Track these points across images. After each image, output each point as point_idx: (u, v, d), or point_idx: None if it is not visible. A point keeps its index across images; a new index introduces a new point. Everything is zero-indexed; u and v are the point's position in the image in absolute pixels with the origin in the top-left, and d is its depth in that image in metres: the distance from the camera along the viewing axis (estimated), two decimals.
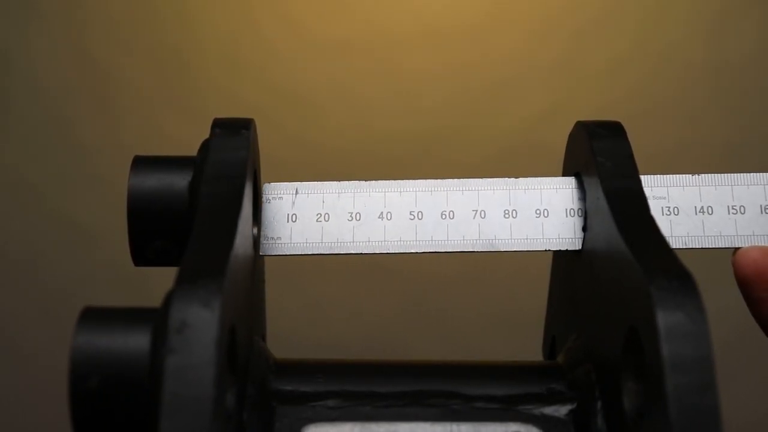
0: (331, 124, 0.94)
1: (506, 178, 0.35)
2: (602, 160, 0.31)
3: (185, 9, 0.95)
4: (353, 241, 0.35)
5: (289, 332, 0.72)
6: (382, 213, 0.35)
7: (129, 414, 0.26)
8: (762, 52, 0.94)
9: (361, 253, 0.35)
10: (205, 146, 0.32)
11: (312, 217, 0.35)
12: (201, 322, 0.24)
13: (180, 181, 0.32)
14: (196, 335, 0.24)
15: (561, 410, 0.29)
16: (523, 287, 0.90)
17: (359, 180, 0.36)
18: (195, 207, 0.30)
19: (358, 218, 0.35)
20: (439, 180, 0.36)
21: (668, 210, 0.34)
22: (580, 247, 0.33)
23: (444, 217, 0.35)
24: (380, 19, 0.95)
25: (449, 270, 0.91)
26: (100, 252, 0.93)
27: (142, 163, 0.32)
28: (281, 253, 0.35)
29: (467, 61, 0.95)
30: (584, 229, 0.33)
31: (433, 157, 0.94)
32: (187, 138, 0.90)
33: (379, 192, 0.35)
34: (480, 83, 0.95)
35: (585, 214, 0.33)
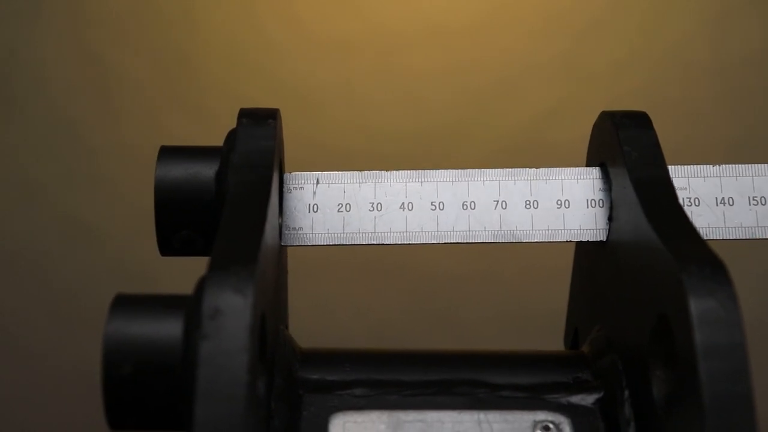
0: (334, 122, 0.94)
1: (527, 168, 0.35)
2: (629, 149, 0.31)
3: (190, 9, 0.95)
4: (375, 232, 0.35)
5: (295, 329, 0.72)
6: (403, 203, 0.35)
7: (162, 400, 0.26)
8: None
9: (383, 244, 0.35)
10: (231, 136, 0.32)
11: (333, 207, 0.35)
12: (234, 309, 0.24)
13: (207, 170, 0.32)
14: (230, 321, 0.24)
15: (588, 399, 0.30)
16: (533, 284, 0.90)
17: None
18: (222, 196, 0.31)
19: (379, 209, 0.35)
20: (460, 170, 0.36)
21: (689, 201, 0.34)
22: (605, 238, 0.33)
23: (465, 207, 0.35)
24: (384, 17, 0.95)
25: (457, 267, 0.91)
26: (105, 251, 0.93)
27: (168, 153, 0.32)
28: (303, 244, 0.35)
29: (472, 59, 0.95)
30: (610, 219, 0.33)
31: (437, 155, 0.94)
32: (191, 137, 0.91)
33: (400, 182, 0.35)
34: (485, 81, 0.95)
35: (611, 204, 0.33)
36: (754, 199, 0.34)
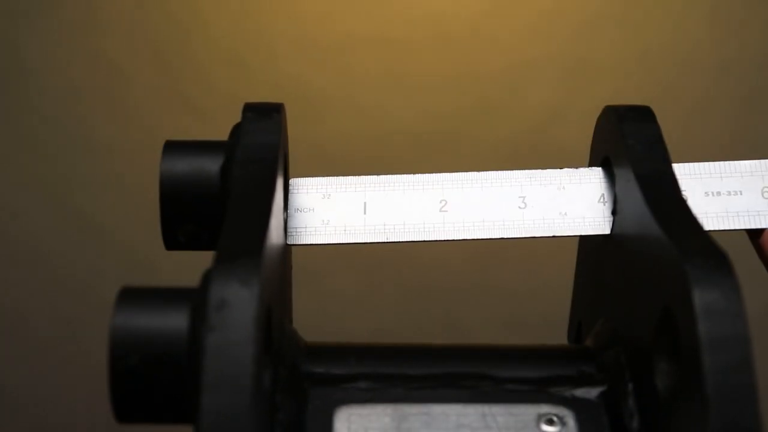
0: (337, 124, 0.94)
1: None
2: (632, 143, 0.31)
3: (196, 12, 0.95)
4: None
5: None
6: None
7: (168, 391, 0.26)
8: None
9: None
10: (236, 130, 0.32)
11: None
12: (240, 301, 0.24)
13: (211, 164, 0.32)
14: (236, 313, 0.24)
15: (592, 392, 0.29)
16: (532, 289, 0.91)
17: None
18: (227, 190, 0.31)
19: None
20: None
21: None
22: (609, 232, 0.33)
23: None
24: (386, 18, 0.95)
25: (458, 270, 0.91)
26: (111, 247, 0.93)
27: (173, 148, 0.32)
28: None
29: (474, 60, 0.95)
30: (613, 212, 0.33)
31: (443, 155, 0.94)
32: (195, 136, 0.91)
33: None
34: (488, 82, 0.95)
35: (614, 198, 0.33)
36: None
